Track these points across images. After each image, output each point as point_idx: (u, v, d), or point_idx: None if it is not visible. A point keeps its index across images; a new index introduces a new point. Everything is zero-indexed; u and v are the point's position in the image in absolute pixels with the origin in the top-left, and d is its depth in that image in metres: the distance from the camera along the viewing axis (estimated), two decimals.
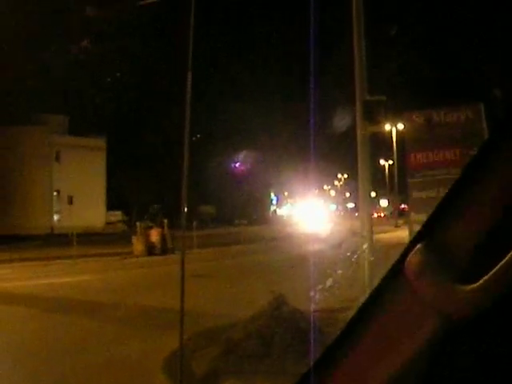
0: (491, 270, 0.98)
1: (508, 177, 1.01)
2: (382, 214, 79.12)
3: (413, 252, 1.07)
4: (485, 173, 1.03)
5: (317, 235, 36.06)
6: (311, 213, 76.27)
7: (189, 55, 4.67)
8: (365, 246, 10.14)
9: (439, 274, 1.03)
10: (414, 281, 1.06)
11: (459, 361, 1.10)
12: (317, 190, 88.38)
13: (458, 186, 1.06)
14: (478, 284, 0.99)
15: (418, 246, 1.07)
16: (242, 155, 79.81)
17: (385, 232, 37.02)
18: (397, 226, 50.54)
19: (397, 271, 1.10)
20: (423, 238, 1.08)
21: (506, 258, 0.96)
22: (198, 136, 75.15)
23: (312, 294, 9.54)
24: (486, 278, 0.98)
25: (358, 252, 10.33)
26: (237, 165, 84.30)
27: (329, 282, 9.82)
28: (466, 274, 1.01)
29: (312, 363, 1.25)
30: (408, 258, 1.07)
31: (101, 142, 67.75)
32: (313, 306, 10.19)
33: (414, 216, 11.64)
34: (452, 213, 1.06)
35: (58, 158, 64.63)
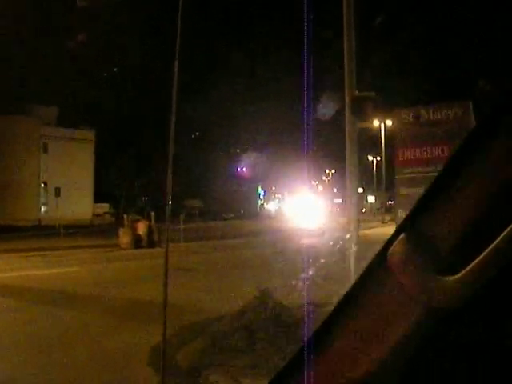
0: (473, 261, 0.98)
1: (490, 170, 1.01)
2: (363, 210, 79.27)
3: (396, 242, 1.07)
4: (468, 165, 1.03)
5: (304, 230, 36.11)
6: (299, 208, 76.43)
7: (176, 44, 4.63)
8: (348, 236, 10.18)
9: (422, 265, 1.03)
10: (397, 271, 1.06)
11: (443, 350, 1.11)
12: (304, 185, 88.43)
13: (442, 178, 1.06)
14: (460, 275, 0.99)
15: (401, 236, 1.07)
16: (246, 158, 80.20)
17: (370, 228, 37.15)
18: (383, 222, 50.70)
19: (380, 261, 1.10)
20: (406, 229, 1.08)
21: (488, 249, 0.96)
22: (197, 134, 75.63)
23: (295, 286, 9.59)
24: (468, 268, 0.98)
25: (341, 242, 10.38)
26: (243, 169, 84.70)
27: (311, 271, 9.88)
28: (449, 265, 1.01)
29: (293, 355, 1.25)
30: (391, 249, 1.07)
31: (89, 134, 67.65)
32: (299, 300, 10.24)
33: (401, 213, 11.66)
34: (435, 204, 1.06)
35: (45, 150, 64.43)
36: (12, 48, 48.57)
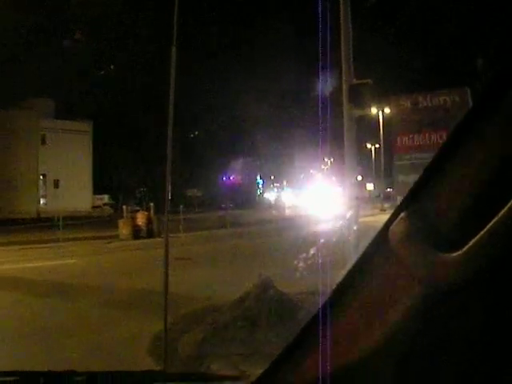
0: (474, 238, 0.98)
1: (490, 145, 1.01)
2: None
3: (397, 220, 1.07)
4: (469, 141, 1.03)
5: (307, 217, 36.11)
6: (301, 196, 76.45)
7: (173, 28, 4.59)
8: (348, 215, 10.21)
9: (423, 242, 1.04)
10: (399, 249, 1.06)
11: (444, 327, 1.11)
12: (303, 174, 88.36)
13: (441, 156, 1.06)
14: (461, 251, 0.99)
15: (402, 214, 1.07)
16: (235, 166, 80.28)
17: (367, 216, 37.05)
18: (382, 210, 50.51)
19: (381, 240, 1.10)
20: (407, 207, 1.08)
21: (488, 226, 0.96)
22: (196, 133, 75.72)
23: (297, 272, 9.63)
24: (469, 245, 0.98)
25: (341, 222, 10.41)
26: (231, 178, 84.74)
27: (311, 252, 9.92)
28: (450, 242, 1.02)
29: (298, 332, 1.26)
30: (392, 227, 1.08)
31: (87, 126, 67.53)
32: (300, 287, 10.29)
33: (400, 199, 11.66)
34: (435, 182, 1.06)
35: (43, 142, 64.35)
36: (9, 41, 48.45)
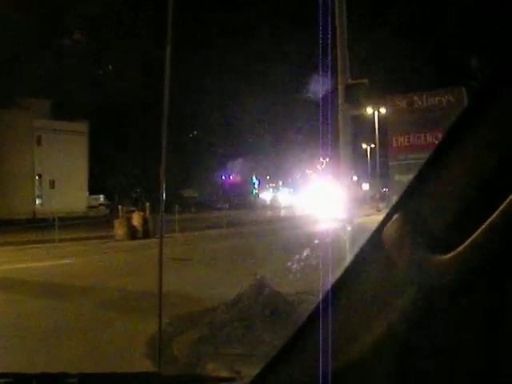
0: (468, 239, 0.97)
1: (484, 147, 1.00)
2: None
3: (390, 222, 1.07)
4: (464, 141, 1.02)
5: (301, 218, 36.14)
6: (295, 196, 76.55)
7: (168, 27, 4.57)
8: (344, 216, 10.23)
9: (416, 243, 1.03)
10: (393, 250, 1.06)
11: (438, 328, 1.10)
12: (299, 174, 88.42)
13: (435, 156, 1.06)
14: (454, 253, 0.98)
15: (396, 215, 1.07)
16: (235, 166, 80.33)
17: (363, 216, 37.05)
18: (378, 210, 50.52)
19: (375, 241, 1.09)
20: (401, 208, 1.07)
21: (483, 227, 0.96)
22: (195, 133, 75.78)
23: (291, 272, 9.65)
24: (462, 246, 0.98)
25: (337, 222, 10.45)
26: (230, 177, 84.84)
27: (306, 252, 9.96)
28: (443, 243, 1.01)
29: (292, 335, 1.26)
30: (385, 228, 1.07)
31: (82, 127, 67.45)
32: (295, 287, 10.29)
33: (395, 199, 11.65)
34: (429, 183, 1.05)
35: (39, 142, 64.24)
36: (8, 41, 48.26)
